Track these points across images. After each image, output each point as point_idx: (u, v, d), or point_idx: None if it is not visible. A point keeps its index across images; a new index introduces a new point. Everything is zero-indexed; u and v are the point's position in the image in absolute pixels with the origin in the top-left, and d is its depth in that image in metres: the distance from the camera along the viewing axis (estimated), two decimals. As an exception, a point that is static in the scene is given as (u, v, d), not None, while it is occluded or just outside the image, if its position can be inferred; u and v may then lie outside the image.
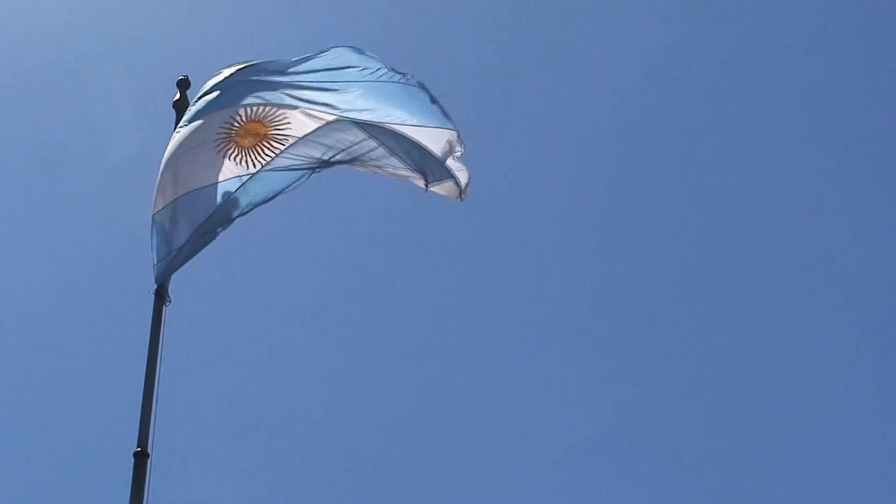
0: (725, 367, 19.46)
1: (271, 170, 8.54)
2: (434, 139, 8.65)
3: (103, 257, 18.51)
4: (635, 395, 18.95)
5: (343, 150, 8.67)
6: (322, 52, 8.96)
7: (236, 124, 8.64)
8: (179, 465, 16.01)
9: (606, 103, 20.71)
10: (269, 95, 8.77)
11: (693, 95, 21.27)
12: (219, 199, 8.43)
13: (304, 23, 20.04)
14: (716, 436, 18.75)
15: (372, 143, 8.68)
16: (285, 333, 19.08)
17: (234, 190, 8.46)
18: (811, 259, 20.24)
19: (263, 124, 8.67)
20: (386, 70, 8.79)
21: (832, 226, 20.34)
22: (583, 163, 20.61)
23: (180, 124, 8.69)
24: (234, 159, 8.57)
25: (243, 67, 8.93)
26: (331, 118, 8.66)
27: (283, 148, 8.61)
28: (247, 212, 8.45)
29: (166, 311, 8.11)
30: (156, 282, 8.19)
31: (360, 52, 8.92)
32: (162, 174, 8.46)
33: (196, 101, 8.79)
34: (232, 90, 8.76)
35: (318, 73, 8.89)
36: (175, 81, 9.08)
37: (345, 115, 8.67)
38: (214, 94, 8.74)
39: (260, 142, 8.63)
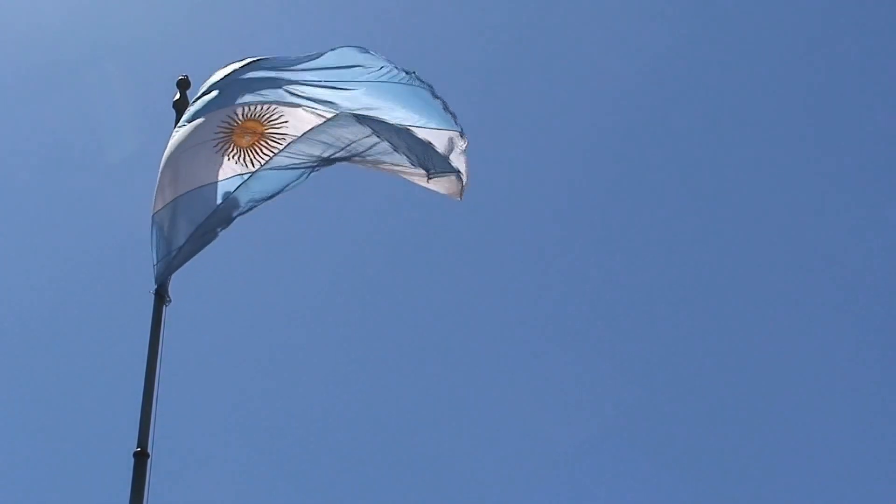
0: (725, 367, 19.47)
1: (270, 168, 8.54)
2: (438, 139, 8.65)
3: (103, 257, 18.52)
4: (635, 395, 18.96)
5: (343, 148, 8.66)
6: (328, 51, 8.95)
7: (234, 123, 8.64)
8: (179, 465, 16.03)
9: (607, 103, 20.72)
10: (272, 93, 8.75)
11: (693, 95, 21.28)
12: (218, 198, 8.42)
13: (305, 23, 20.05)
14: (716, 436, 18.76)
15: (374, 139, 8.68)
16: (285, 333, 19.09)
17: (233, 189, 8.45)
18: (811, 259, 20.25)
19: (260, 123, 8.66)
20: (391, 69, 8.78)
21: (832, 226, 20.36)
22: (583, 163, 20.62)
23: (179, 123, 8.69)
24: (234, 158, 8.57)
25: (244, 65, 8.92)
26: (331, 115, 8.66)
27: (281, 146, 8.60)
28: (246, 211, 8.44)
29: (166, 311, 8.10)
30: (156, 282, 8.18)
31: (366, 51, 8.91)
32: (161, 174, 8.46)
33: (195, 101, 8.79)
34: (231, 89, 8.76)
35: (323, 72, 8.88)
36: (175, 81, 9.08)
37: (347, 112, 8.66)
38: (213, 93, 8.73)
39: (258, 141, 8.62)
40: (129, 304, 15.71)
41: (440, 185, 8.80)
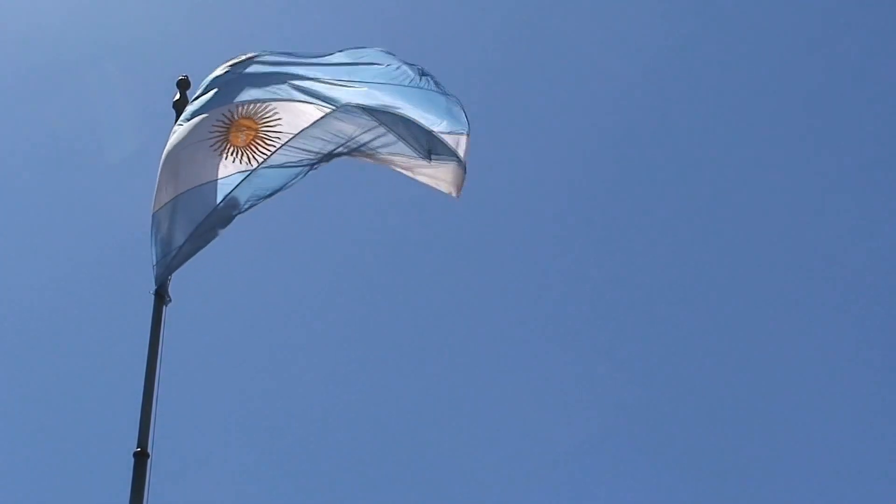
0: (725, 367, 19.47)
1: (269, 167, 8.51)
2: (447, 137, 8.66)
3: (103, 257, 18.52)
4: (635, 395, 18.96)
5: (342, 144, 8.60)
6: (347, 49, 8.95)
7: (230, 122, 8.61)
8: (179, 465, 16.02)
9: (607, 103, 20.72)
10: (270, 89, 8.73)
11: (693, 95, 21.28)
12: (217, 197, 8.40)
13: (305, 23, 20.05)
14: (716, 436, 18.76)
15: (379, 130, 8.63)
16: (285, 333, 19.09)
17: (232, 188, 8.42)
18: (811, 259, 20.25)
19: (255, 121, 8.64)
20: (406, 71, 8.77)
21: (832, 226, 20.36)
22: (583, 162, 20.62)
23: (178, 122, 8.68)
24: (232, 157, 8.54)
25: (241, 60, 8.90)
26: (331, 109, 8.62)
27: (278, 144, 8.57)
28: (246, 209, 8.42)
29: (166, 311, 8.10)
30: (155, 282, 8.17)
31: (390, 54, 8.91)
32: (160, 173, 8.46)
33: (194, 99, 8.78)
34: (229, 86, 8.74)
35: (334, 67, 8.87)
36: (175, 81, 9.07)
37: (353, 103, 8.63)
38: (212, 91, 8.72)
39: (254, 138, 8.60)
40: (129, 304, 15.71)
41: (440, 173, 8.75)
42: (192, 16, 20.34)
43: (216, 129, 8.57)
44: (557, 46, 20.83)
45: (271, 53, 9.01)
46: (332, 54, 8.99)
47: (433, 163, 8.67)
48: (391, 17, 20.27)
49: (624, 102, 20.75)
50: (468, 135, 8.68)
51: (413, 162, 8.71)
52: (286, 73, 8.83)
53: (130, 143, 18.06)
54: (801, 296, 19.99)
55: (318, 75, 8.84)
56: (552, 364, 19.01)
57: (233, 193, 8.41)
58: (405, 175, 8.84)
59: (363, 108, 8.62)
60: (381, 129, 8.63)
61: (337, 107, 8.62)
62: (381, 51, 8.97)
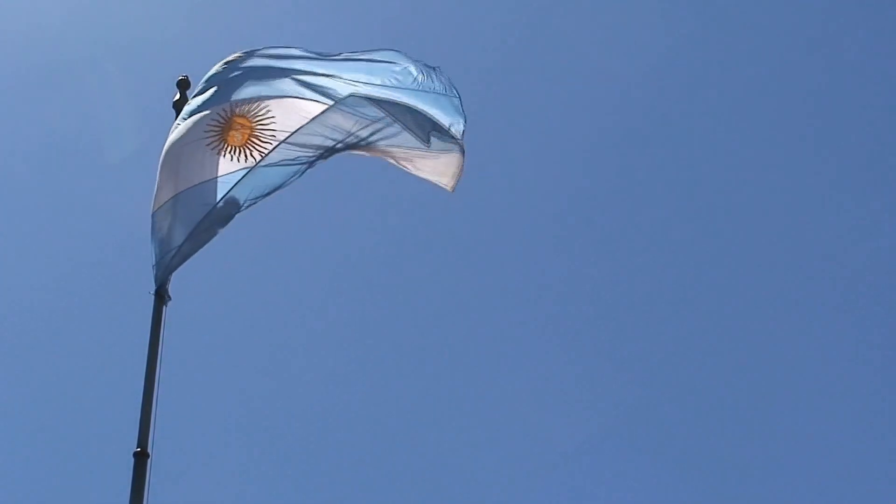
0: (726, 367, 19.47)
1: (267, 165, 8.51)
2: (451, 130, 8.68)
3: (103, 257, 18.53)
4: (635, 395, 18.96)
5: (341, 140, 8.59)
6: (356, 52, 8.95)
7: (227, 120, 8.59)
8: (179, 465, 16.02)
9: (607, 103, 20.72)
10: (272, 85, 8.72)
11: (693, 95, 21.28)
12: (215, 196, 8.39)
13: (305, 23, 20.05)
14: (716, 436, 18.76)
15: (387, 120, 8.60)
16: (285, 333, 19.10)
17: (230, 187, 8.42)
18: (811, 259, 20.25)
19: (248, 119, 8.63)
20: (411, 72, 8.76)
21: (832, 226, 20.35)
22: (584, 162, 20.62)
23: (177, 121, 8.68)
24: (229, 155, 8.54)
25: (241, 56, 8.89)
26: (330, 104, 8.60)
27: (275, 143, 8.56)
28: (245, 208, 8.41)
29: (166, 311, 8.10)
30: (155, 281, 8.17)
31: (398, 53, 8.90)
32: (160, 172, 8.46)
33: (193, 98, 8.78)
34: (226, 84, 8.72)
35: (339, 63, 8.86)
36: (175, 81, 9.07)
37: (360, 92, 8.62)
38: (209, 90, 8.71)
39: (251, 137, 8.60)
40: (129, 304, 15.71)
41: (439, 165, 8.75)
42: (192, 16, 20.35)
43: (211, 128, 8.57)
44: (557, 46, 20.84)
45: (271, 48, 9.00)
46: (338, 54, 8.98)
47: (433, 151, 8.67)
48: (391, 16, 20.29)
49: (624, 102, 20.76)
50: (463, 132, 8.69)
51: (414, 153, 8.71)
52: (285, 68, 8.82)
53: (130, 143, 18.08)
54: (801, 296, 20.01)
55: (319, 69, 8.82)
56: (552, 364, 19.02)
57: (231, 192, 8.40)
58: (403, 168, 8.83)
59: (369, 98, 8.60)
60: (387, 119, 8.62)
61: (338, 99, 8.60)
62: (392, 51, 8.94)
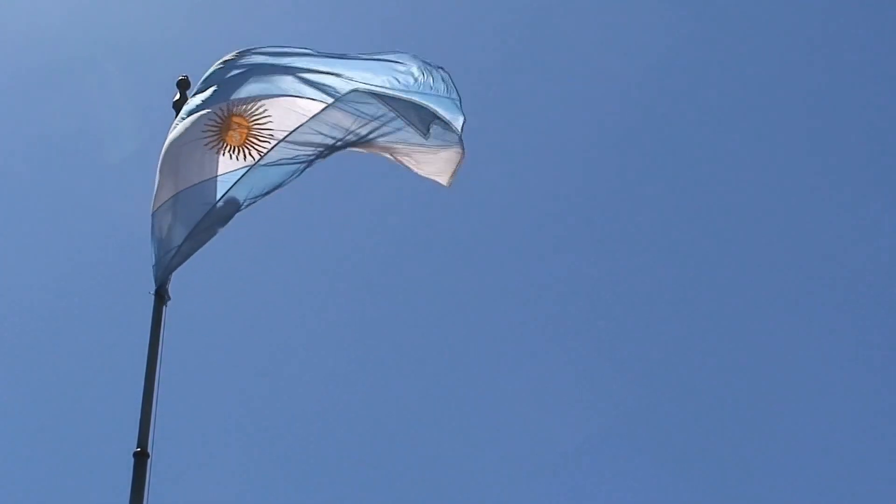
0: (726, 367, 19.47)
1: (266, 164, 8.50)
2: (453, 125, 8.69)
3: (103, 257, 18.53)
4: (635, 395, 18.96)
5: (340, 138, 8.56)
6: (372, 53, 8.96)
7: (224, 119, 8.59)
8: (179, 465, 16.01)
9: (607, 102, 20.72)
10: (270, 83, 8.71)
11: (693, 95, 21.28)
12: (215, 195, 8.39)
13: (305, 23, 20.05)
14: (716, 436, 18.76)
15: (390, 115, 8.59)
16: (285, 333, 19.10)
17: (229, 186, 8.41)
18: (811, 259, 20.25)
19: (245, 119, 8.62)
20: (413, 73, 8.76)
21: (832, 226, 20.36)
22: (584, 161, 20.62)
23: (175, 121, 8.68)
24: (228, 154, 8.53)
25: (239, 54, 8.89)
26: (330, 101, 8.59)
27: (273, 141, 8.55)
28: (244, 207, 8.40)
29: (166, 311, 8.10)
30: (155, 281, 8.17)
31: (414, 57, 8.90)
32: (159, 172, 8.45)
33: (192, 97, 8.77)
34: (224, 84, 8.72)
35: (340, 61, 8.86)
36: (175, 81, 9.07)
37: (364, 87, 8.61)
38: (207, 89, 8.71)
39: (249, 136, 8.59)
40: (129, 304, 15.71)
41: (440, 159, 8.75)
42: (192, 16, 20.36)
43: (209, 128, 8.56)
44: (557, 46, 20.84)
45: (270, 46, 8.99)
46: (343, 54, 8.97)
47: (433, 147, 8.66)
48: (391, 16, 20.29)
49: (624, 102, 20.76)
50: (462, 127, 8.70)
51: (413, 149, 8.70)
52: (288, 66, 8.81)
53: (130, 143, 18.08)
54: (801, 296, 20.01)
55: (322, 67, 8.81)
56: (552, 364, 19.02)
57: (231, 192, 8.39)
58: (402, 164, 8.83)
59: (371, 93, 8.59)
60: (389, 115, 8.61)
61: (338, 97, 8.59)
62: (399, 53, 8.93)
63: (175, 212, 8.32)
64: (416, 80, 8.71)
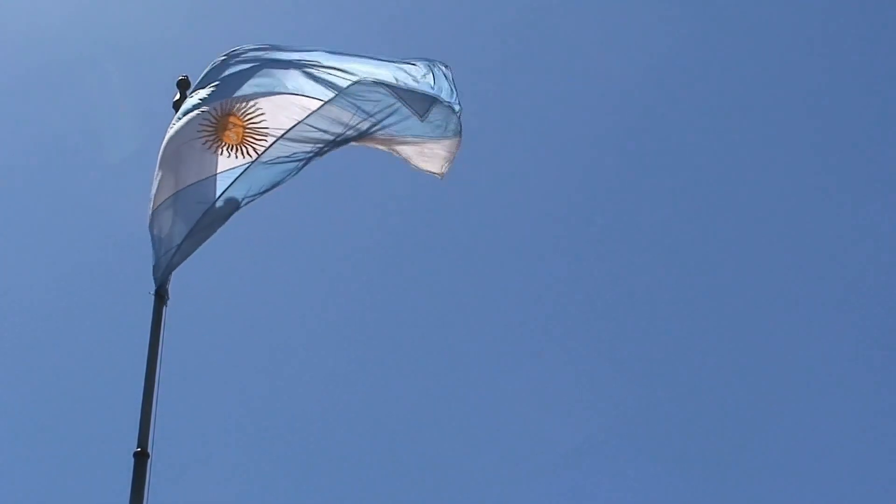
0: (726, 367, 19.47)
1: (264, 162, 8.48)
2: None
3: (103, 257, 18.53)
4: (635, 395, 18.96)
5: (339, 134, 8.54)
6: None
7: (219, 119, 8.58)
8: (179, 465, 16.02)
9: (607, 102, 20.72)
10: (268, 81, 8.69)
11: (693, 95, 21.29)
12: (214, 194, 8.37)
13: (305, 23, 20.05)
14: (716, 436, 18.76)
15: (395, 107, 8.58)
16: (285, 332, 19.10)
17: (228, 184, 8.40)
18: (811, 259, 20.25)
19: (239, 118, 8.62)
20: (413, 73, 8.76)
21: (832, 226, 20.36)
22: (584, 162, 20.62)
23: (173, 120, 8.67)
24: (226, 153, 8.52)
25: (236, 52, 8.89)
26: (329, 97, 8.58)
27: (270, 139, 8.53)
28: (243, 206, 8.39)
29: (166, 311, 8.09)
30: (155, 281, 8.16)
31: (420, 58, 8.90)
32: (157, 171, 8.45)
33: (190, 97, 8.77)
34: (221, 83, 8.71)
35: (354, 58, 8.85)
36: (175, 81, 9.06)
37: (370, 77, 8.61)
38: (205, 88, 8.71)
39: (245, 135, 8.58)
40: (129, 304, 15.71)
41: (438, 148, 8.75)
42: (192, 16, 20.37)
43: (204, 127, 8.54)
44: (558, 46, 20.85)
45: (267, 45, 8.99)
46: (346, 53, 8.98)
47: (431, 138, 8.66)
48: (392, 16, 20.29)
49: (624, 102, 20.77)
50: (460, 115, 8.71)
51: (414, 140, 8.69)
52: (290, 60, 8.80)
53: (130, 143, 18.08)
54: (801, 296, 20.01)
55: (324, 61, 8.79)
56: (552, 364, 19.02)
57: (229, 190, 8.39)
58: (399, 156, 8.83)
59: (377, 81, 8.58)
60: (393, 105, 8.60)
61: (338, 92, 8.58)
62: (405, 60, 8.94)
63: (174, 211, 8.31)
64: (414, 77, 8.72)
